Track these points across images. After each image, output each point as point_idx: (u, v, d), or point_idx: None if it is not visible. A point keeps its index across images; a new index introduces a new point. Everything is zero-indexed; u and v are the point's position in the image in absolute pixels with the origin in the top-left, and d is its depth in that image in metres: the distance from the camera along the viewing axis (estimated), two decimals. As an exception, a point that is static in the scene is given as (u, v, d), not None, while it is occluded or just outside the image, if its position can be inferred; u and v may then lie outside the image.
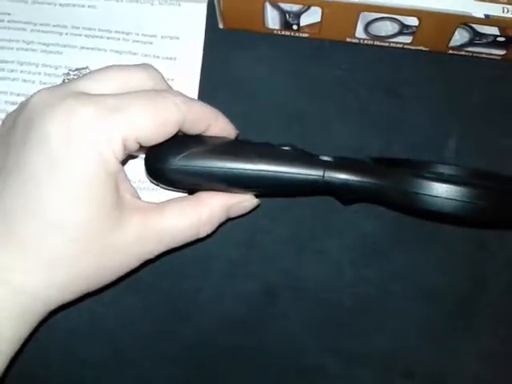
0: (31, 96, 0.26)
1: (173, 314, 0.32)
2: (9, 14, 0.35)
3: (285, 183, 0.27)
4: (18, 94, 0.33)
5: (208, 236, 0.29)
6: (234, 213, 0.29)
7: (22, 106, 0.26)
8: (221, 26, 0.34)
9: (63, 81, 0.33)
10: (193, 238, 0.28)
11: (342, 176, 0.27)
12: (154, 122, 0.25)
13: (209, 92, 0.34)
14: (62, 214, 0.24)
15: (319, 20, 0.32)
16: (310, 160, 0.27)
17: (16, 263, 0.24)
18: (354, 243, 0.32)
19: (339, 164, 0.27)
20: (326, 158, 0.28)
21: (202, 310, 0.32)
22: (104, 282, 0.27)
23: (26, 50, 0.34)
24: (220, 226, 0.29)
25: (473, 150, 0.33)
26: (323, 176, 0.27)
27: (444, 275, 0.32)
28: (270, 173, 0.27)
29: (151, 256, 0.27)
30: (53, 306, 0.26)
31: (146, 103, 0.25)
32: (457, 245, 0.32)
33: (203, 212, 0.28)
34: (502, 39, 0.31)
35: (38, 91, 0.26)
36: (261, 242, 0.32)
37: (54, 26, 0.34)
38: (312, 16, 0.32)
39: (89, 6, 0.35)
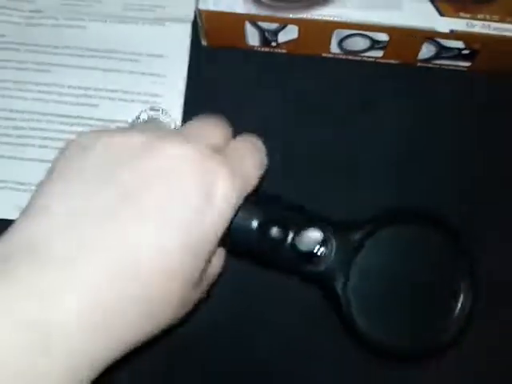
0: (161, 147, 0.23)
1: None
2: (3, 35, 0.37)
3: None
4: (11, 110, 0.35)
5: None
6: None
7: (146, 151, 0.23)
8: (204, 43, 0.36)
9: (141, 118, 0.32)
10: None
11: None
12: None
13: (193, 107, 0.36)
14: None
15: (296, 37, 0.34)
16: None
17: None
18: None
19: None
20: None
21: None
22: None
23: (20, 69, 0.36)
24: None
25: (449, 159, 0.35)
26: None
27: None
28: None
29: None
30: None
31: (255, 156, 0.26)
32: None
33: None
34: (466, 52, 0.33)
35: (172, 144, 0.23)
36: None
37: (45, 46, 0.36)
38: (289, 33, 0.34)
39: (78, 27, 0.37)
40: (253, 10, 0.33)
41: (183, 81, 0.36)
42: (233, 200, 0.24)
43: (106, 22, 0.37)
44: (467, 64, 0.35)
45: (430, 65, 0.35)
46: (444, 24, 0.32)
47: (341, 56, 0.35)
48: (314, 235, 0.28)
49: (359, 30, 0.33)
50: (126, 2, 0.37)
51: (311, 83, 0.36)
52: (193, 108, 0.35)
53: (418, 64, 0.35)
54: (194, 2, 0.33)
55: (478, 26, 0.32)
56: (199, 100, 0.36)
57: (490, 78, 0.35)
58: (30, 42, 0.36)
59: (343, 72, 0.36)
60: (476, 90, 0.35)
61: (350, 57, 0.35)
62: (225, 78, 0.36)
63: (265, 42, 0.35)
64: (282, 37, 0.34)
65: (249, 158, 0.26)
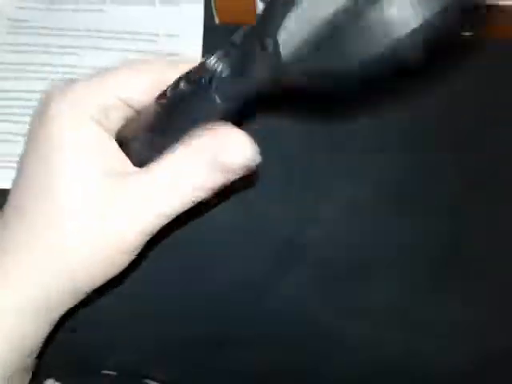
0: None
1: (183, 276, 0.36)
2: (27, 20, 0.39)
3: None
4: (39, 91, 0.37)
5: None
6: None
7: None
8: (217, 21, 0.38)
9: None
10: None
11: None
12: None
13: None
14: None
15: (304, 12, 0.36)
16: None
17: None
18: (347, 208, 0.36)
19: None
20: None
21: (212, 273, 0.36)
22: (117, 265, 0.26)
23: (44, 52, 0.38)
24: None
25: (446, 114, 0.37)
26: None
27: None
28: None
29: (165, 219, 0.25)
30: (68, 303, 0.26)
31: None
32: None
33: None
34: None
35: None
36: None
37: (67, 29, 0.38)
38: (297, 9, 0.36)
39: (98, 10, 0.39)
40: (262, -13, 0.34)
41: (198, 58, 0.38)
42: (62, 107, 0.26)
43: (123, 4, 0.39)
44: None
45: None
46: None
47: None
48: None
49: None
50: (141, -15, 0.39)
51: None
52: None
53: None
54: (206, -17, 0.35)
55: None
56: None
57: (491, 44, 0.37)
58: (52, 26, 0.39)
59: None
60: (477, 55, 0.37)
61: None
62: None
63: (275, 18, 0.37)
64: (291, 13, 0.36)
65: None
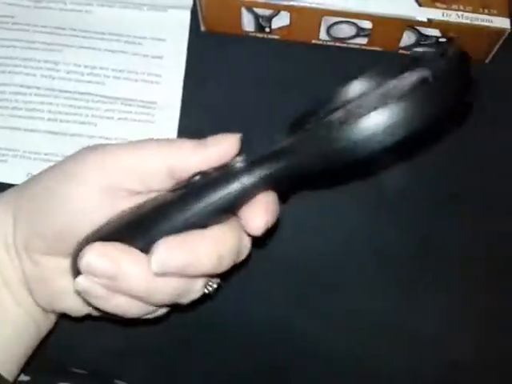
0: None
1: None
2: (12, 16, 0.39)
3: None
4: (21, 86, 0.37)
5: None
6: None
7: None
8: (202, 29, 0.39)
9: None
10: None
11: (260, 175, 0.25)
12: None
13: (191, 88, 0.38)
14: None
15: (288, 23, 0.37)
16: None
17: None
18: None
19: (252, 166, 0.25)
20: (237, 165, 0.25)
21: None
22: None
23: (28, 48, 0.38)
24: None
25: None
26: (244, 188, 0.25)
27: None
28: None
29: None
30: None
31: None
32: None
33: None
34: (443, 40, 0.37)
35: None
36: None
37: (54, 27, 0.39)
38: (282, 20, 0.37)
39: (85, 11, 0.39)
40: (250, -5, 0.35)
41: (183, 63, 0.38)
42: None
43: (111, 7, 0.39)
44: (444, 52, 0.38)
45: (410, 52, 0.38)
46: (422, 13, 0.35)
47: (329, 43, 0.38)
48: None
49: (345, 17, 0.36)
50: (130, -12, 0.39)
51: (301, 69, 0.39)
52: (190, 88, 0.38)
53: (400, 51, 0.38)
54: (194, -11, 0.36)
55: (453, 16, 0.35)
56: (197, 82, 0.38)
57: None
58: (38, 24, 0.39)
59: (330, 58, 0.39)
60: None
61: (338, 43, 0.38)
62: (221, 62, 0.39)
63: (259, 27, 0.38)
64: (276, 23, 0.37)
65: None
